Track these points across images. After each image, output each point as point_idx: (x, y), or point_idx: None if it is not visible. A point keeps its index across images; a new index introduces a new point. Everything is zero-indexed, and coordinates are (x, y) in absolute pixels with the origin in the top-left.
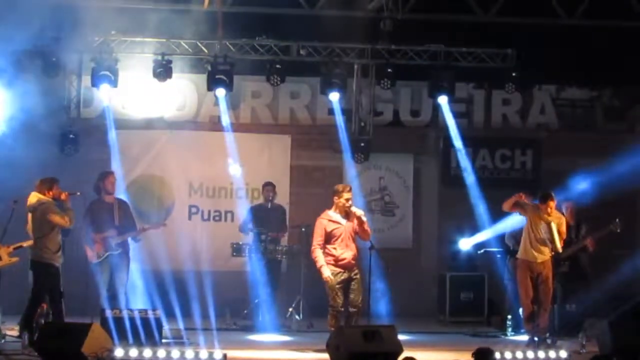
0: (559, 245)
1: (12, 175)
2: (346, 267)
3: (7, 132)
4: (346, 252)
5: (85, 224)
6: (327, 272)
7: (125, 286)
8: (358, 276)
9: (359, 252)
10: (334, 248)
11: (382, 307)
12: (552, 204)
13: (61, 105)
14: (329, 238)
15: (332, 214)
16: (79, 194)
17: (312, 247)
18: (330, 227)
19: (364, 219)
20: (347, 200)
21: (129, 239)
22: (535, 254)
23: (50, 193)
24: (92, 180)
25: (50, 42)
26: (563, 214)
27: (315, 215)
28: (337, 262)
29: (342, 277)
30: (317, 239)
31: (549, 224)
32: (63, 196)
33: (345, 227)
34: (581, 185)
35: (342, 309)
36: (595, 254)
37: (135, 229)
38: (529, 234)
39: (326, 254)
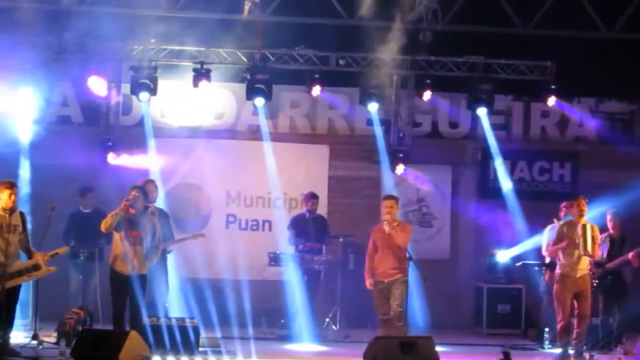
0: (589, 246)
1: (51, 183)
2: (384, 276)
3: (47, 140)
4: (382, 261)
5: None
6: (367, 280)
7: (166, 296)
8: (398, 282)
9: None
10: (376, 257)
11: (419, 318)
12: (582, 202)
13: (100, 113)
14: (376, 247)
15: (383, 223)
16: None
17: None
18: (375, 235)
19: (390, 229)
20: (385, 208)
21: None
22: (576, 268)
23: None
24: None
25: (90, 50)
26: (607, 226)
27: (352, 226)
28: (376, 271)
29: (381, 286)
30: (369, 247)
31: (583, 227)
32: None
33: (385, 235)
34: (619, 198)
35: (385, 317)
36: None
37: (172, 239)
38: (568, 249)
39: (372, 262)
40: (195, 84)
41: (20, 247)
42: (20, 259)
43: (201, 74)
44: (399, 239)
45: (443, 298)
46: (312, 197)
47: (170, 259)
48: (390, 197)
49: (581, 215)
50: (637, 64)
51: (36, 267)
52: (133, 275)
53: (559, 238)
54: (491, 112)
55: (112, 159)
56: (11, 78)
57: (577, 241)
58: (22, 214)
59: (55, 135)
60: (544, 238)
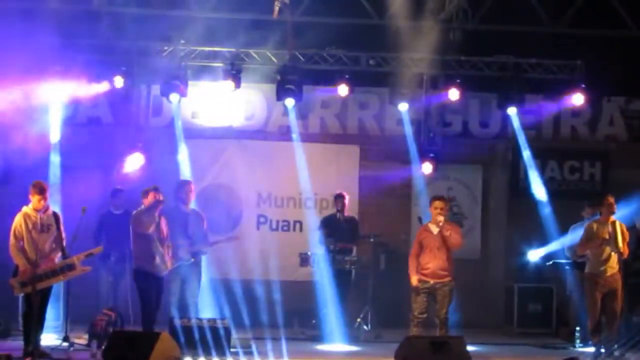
0: (620, 243)
1: (81, 184)
2: (432, 277)
3: (76, 140)
4: (431, 262)
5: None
6: (413, 279)
7: (197, 297)
8: (445, 287)
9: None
10: (422, 257)
11: (450, 317)
12: (611, 200)
13: (130, 113)
14: (422, 247)
15: (430, 224)
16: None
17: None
18: (422, 236)
19: (445, 231)
20: (435, 209)
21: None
22: (605, 267)
23: (146, 200)
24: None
25: (120, 51)
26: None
27: (383, 226)
28: (421, 270)
29: (425, 286)
30: (413, 247)
31: (613, 224)
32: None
33: (434, 236)
34: None
35: (421, 317)
36: None
37: (207, 241)
38: (598, 248)
39: (418, 262)
40: (225, 79)
41: (55, 246)
42: (56, 259)
43: (231, 74)
44: (454, 240)
45: (474, 297)
46: (339, 197)
47: (202, 259)
48: (441, 198)
49: (611, 213)
50: None
51: (71, 267)
52: (161, 275)
53: (588, 237)
54: (521, 112)
55: (135, 160)
56: (41, 79)
57: (608, 239)
58: (55, 214)
59: (85, 136)
60: (568, 237)
